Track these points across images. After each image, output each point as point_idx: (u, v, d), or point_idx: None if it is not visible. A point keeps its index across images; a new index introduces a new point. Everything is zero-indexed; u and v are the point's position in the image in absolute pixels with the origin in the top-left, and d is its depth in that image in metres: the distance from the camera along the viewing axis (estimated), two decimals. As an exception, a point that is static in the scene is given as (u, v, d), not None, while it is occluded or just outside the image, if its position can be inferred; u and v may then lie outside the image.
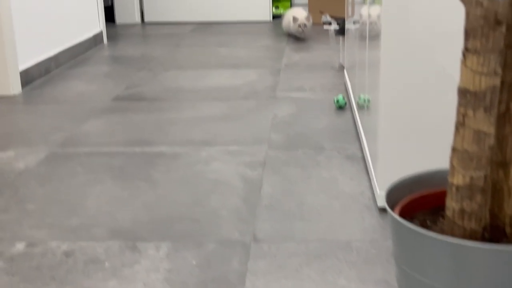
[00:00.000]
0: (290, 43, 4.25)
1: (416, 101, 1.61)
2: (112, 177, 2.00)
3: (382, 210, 1.68)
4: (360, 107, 2.35)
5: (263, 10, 5.37)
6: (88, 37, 4.15)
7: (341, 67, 3.46)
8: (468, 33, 0.84)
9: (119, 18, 5.47)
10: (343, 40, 3.37)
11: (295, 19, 4.35)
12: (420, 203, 1.06)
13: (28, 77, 3.22)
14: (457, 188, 0.90)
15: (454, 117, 1.47)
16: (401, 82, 1.61)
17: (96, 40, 4.30)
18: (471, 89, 0.85)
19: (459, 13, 1.53)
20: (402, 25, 1.57)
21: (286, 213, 1.70)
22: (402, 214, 1.03)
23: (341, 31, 3.34)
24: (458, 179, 0.89)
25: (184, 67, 3.61)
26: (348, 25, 3.06)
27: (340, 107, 2.68)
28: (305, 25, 4.31)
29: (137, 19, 5.49)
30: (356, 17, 3.02)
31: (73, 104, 2.87)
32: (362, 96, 2.38)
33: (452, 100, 1.56)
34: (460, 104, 0.88)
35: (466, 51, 0.84)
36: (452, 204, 0.91)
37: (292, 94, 2.92)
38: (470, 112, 0.86)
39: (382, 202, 1.67)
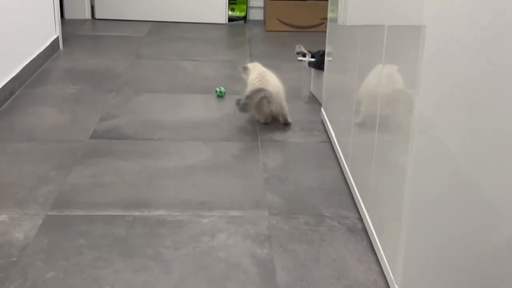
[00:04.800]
0: (253, 59, 4.23)
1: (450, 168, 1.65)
2: (119, 254, 1.96)
3: (402, 310, 1.76)
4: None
5: (219, 13, 5.31)
6: (46, 46, 3.98)
7: (311, 97, 3.49)
8: None
9: (68, 13, 5.25)
10: (320, 73, 3.39)
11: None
12: None
13: (-5, 104, 3.08)
14: None
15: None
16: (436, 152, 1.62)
17: (53, 48, 4.13)
18: None
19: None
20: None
21: (308, 309, 1.75)
22: None
23: (317, 65, 3.36)
24: None
25: (154, 90, 3.54)
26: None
27: (219, 96, 3.45)
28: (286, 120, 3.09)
29: (87, 15, 5.29)
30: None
31: (50, 143, 2.77)
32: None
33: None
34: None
35: None
36: None
37: (274, 136, 2.94)
38: None
39: (402, 300, 1.75)
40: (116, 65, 3.98)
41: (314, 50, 3.50)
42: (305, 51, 3.45)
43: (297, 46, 3.52)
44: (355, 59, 2.42)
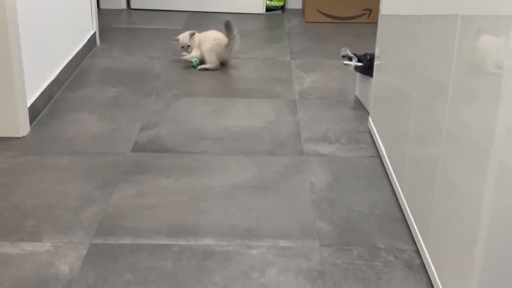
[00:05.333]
0: (294, 56, 4.10)
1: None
2: (168, 291, 1.90)
3: None
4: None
5: (257, 2, 5.16)
6: (84, 43, 3.90)
7: (357, 102, 3.37)
8: None
9: (103, 3, 5.16)
10: (366, 78, 3.25)
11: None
12: None
13: (34, 111, 3.00)
14: None
15: None
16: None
17: (90, 44, 4.04)
18: None
19: None
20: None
21: None
22: None
23: (364, 70, 3.22)
24: None
25: (193, 93, 3.45)
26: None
27: (193, 66, 3.80)
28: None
29: (123, 5, 5.19)
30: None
31: (91, 157, 2.70)
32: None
33: None
34: None
35: None
36: None
37: (320, 149, 2.83)
38: None
39: None
40: (154, 64, 3.89)
41: (359, 49, 3.35)
42: (351, 55, 3.31)
43: (342, 49, 3.37)
44: (414, 58, 2.20)
